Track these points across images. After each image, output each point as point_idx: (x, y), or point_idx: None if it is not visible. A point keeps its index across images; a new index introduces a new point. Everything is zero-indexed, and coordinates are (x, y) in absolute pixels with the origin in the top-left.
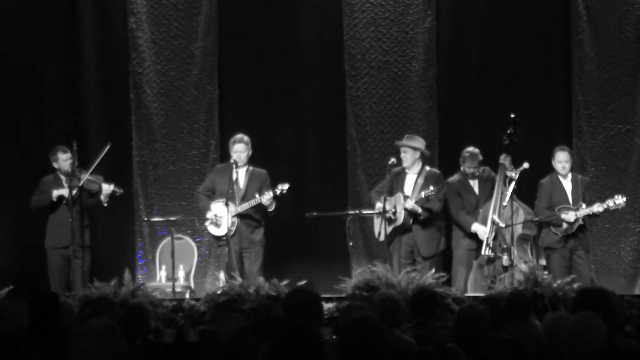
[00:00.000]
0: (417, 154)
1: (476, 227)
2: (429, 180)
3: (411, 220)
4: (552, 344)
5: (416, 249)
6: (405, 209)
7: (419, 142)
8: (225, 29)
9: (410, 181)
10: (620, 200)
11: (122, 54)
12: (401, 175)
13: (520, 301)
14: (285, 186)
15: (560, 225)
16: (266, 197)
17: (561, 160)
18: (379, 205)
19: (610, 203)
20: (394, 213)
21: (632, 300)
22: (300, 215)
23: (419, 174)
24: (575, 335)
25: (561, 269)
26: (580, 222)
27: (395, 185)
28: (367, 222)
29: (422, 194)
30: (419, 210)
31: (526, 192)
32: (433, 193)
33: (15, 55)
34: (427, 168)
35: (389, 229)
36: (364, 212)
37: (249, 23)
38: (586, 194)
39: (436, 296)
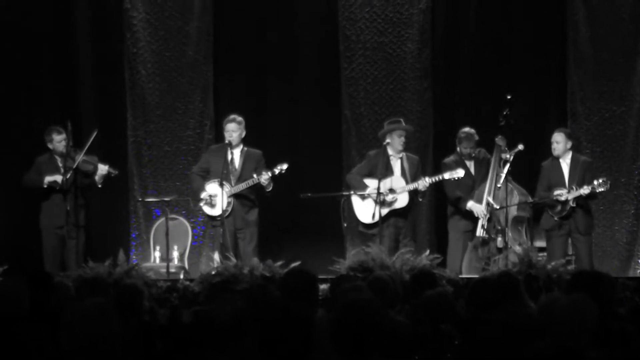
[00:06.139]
0: None
1: (472, 205)
2: (413, 164)
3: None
4: (546, 326)
5: (404, 231)
6: (420, 191)
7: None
8: (220, 9)
9: (397, 165)
10: (604, 184)
11: (117, 34)
12: (384, 158)
13: (506, 282)
14: (284, 166)
15: (555, 207)
16: (264, 177)
17: (552, 140)
18: (370, 188)
19: (595, 185)
20: (388, 194)
21: (626, 283)
22: (294, 196)
23: (402, 158)
24: (566, 317)
25: (560, 251)
26: (572, 204)
27: (381, 168)
28: None
29: (446, 176)
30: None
31: (521, 173)
32: (461, 176)
33: (9, 35)
34: (404, 153)
35: (384, 211)
36: (359, 193)
37: (244, 3)
38: (586, 175)
39: (435, 276)
